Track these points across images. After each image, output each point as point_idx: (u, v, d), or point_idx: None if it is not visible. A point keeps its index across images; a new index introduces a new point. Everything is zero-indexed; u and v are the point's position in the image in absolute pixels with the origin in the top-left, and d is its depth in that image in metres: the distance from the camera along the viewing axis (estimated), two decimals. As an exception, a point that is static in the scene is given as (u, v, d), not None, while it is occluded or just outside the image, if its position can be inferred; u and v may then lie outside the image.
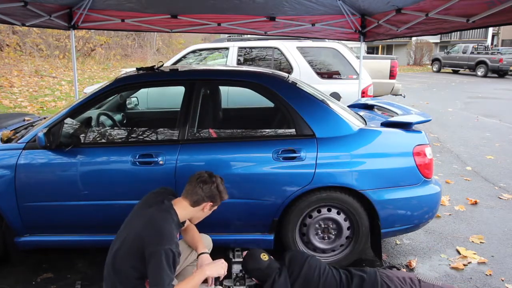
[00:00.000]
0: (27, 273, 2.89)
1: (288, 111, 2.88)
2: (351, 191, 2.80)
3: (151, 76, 3.11)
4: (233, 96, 5.06)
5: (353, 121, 2.94)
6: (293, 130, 2.85)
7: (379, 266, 2.98)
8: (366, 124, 3.07)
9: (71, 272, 2.90)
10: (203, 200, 2.14)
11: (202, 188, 2.13)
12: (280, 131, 3.08)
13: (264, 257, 2.51)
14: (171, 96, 4.17)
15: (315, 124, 2.81)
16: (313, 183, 2.72)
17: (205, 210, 2.19)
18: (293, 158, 2.74)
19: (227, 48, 6.41)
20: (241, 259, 2.63)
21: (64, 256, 3.11)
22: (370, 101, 3.91)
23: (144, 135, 3.43)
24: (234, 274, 2.62)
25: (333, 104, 3.10)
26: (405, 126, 2.92)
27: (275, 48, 6.29)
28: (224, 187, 2.24)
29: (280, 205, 2.76)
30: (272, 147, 2.77)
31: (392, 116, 3.25)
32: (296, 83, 3.16)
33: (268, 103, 3.72)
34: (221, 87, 3.83)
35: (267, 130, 3.09)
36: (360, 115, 3.34)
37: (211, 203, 2.19)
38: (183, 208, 2.14)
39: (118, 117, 3.91)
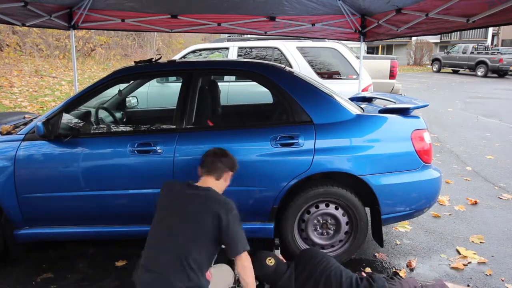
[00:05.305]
0: (27, 273, 2.89)
1: (285, 98, 2.88)
2: (348, 186, 2.82)
3: (149, 67, 3.12)
4: (233, 95, 5.07)
5: (351, 108, 2.95)
6: (291, 117, 2.85)
7: (379, 265, 2.99)
8: (364, 112, 3.08)
9: (71, 272, 2.90)
10: (224, 171, 2.35)
11: (222, 161, 2.35)
12: (278, 118, 3.07)
13: (270, 261, 2.41)
14: (170, 96, 4.18)
15: (312, 111, 2.82)
16: (312, 169, 2.73)
17: (227, 180, 2.39)
18: (291, 145, 2.74)
19: (227, 48, 6.42)
20: None
21: (64, 256, 3.11)
22: (368, 94, 3.94)
23: (143, 126, 3.44)
24: (237, 276, 2.61)
25: (330, 92, 3.10)
26: (403, 112, 2.93)
27: (275, 48, 6.29)
28: None
29: (279, 192, 2.76)
30: (270, 134, 2.77)
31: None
32: (293, 72, 3.16)
33: (266, 100, 3.71)
34: (221, 87, 3.84)
35: (265, 118, 3.07)
36: (360, 106, 3.35)
37: (231, 172, 2.41)
38: (213, 185, 2.28)
39: (118, 114, 3.93)
